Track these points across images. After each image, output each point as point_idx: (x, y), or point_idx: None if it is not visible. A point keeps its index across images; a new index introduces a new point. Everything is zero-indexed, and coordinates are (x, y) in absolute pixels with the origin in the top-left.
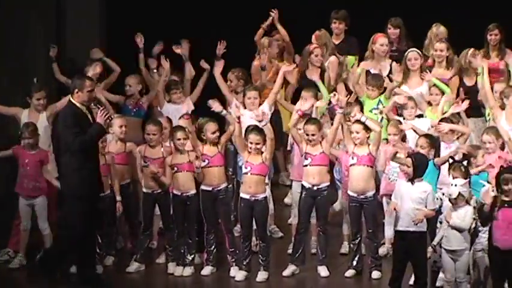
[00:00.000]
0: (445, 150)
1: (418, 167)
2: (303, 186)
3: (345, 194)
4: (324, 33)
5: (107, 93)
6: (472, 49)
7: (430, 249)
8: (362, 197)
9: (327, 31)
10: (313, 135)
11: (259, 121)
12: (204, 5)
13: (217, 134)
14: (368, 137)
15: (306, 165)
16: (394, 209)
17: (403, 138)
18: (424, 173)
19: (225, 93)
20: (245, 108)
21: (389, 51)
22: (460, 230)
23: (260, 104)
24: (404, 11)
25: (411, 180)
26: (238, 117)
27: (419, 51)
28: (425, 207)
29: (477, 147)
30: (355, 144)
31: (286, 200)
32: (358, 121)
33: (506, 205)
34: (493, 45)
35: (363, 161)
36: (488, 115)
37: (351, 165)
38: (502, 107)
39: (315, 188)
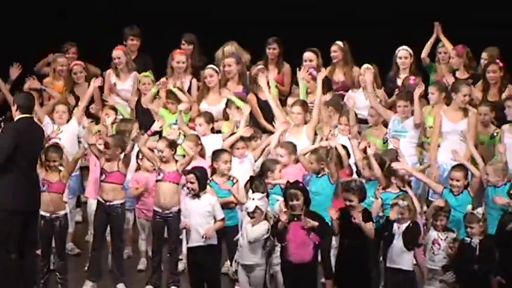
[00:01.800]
0: (239, 166)
1: (202, 180)
2: (98, 202)
3: (141, 212)
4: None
5: None
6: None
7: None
8: (167, 212)
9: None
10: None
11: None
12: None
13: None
14: (174, 153)
15: (102, 181)
16: (185, 227)
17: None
18: (205, 186)
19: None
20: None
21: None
22: (251, 243)
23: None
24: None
25: (197, 195)
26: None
27: (215, 67)
28: (214, 219)
29: (275, 162)
30: (162, 161)
31: (77, 218)
32: (163, 139)
33: (295, 219)
34: (271, 59)
35: (169, 177)
36: None
37: (157, 180)
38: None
39: (108, 204)
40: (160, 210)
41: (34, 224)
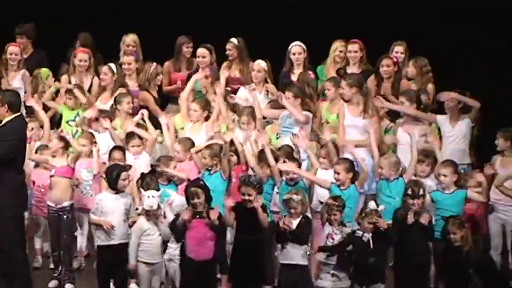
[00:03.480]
0: (134, 161)
1: (109, 177)
2: None
3: (38, 209)
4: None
5: None
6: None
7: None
8: (59, 206)
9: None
10: None
11: None
12: None
13: None
14: (66, 148)
15: None
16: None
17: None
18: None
19: None
20: None
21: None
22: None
23: None
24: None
25: (118, 192)
26: None
27: (112, 66)
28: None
29: (169, 158)
30: (54, 156)
31: None
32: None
33: (197, 216)
34: (186, 57)
35: (60, 172)
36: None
37: (51, 176)
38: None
39: None
40: (53, 205)
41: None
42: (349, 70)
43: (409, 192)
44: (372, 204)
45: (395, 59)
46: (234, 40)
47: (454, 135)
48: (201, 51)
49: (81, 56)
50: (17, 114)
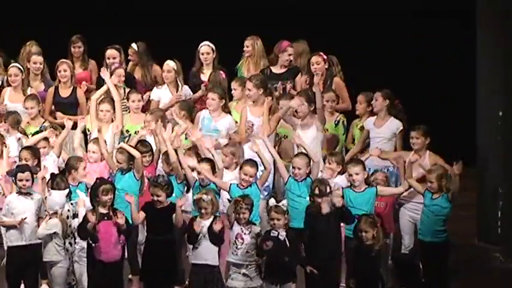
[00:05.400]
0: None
1: (11, 178)
2: None
3: None
4: None
5: None
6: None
7: None
8: None
9: None
10: None
11: None
12: None
13: None
14: None
15: None
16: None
17: None
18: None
19: None
20: None
21: None
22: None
23: None
24: None
25: (29, 193)
26: None
27: (20, 66)
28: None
29: (79, 159)
30: None
31: None
32: None
33: (105, 218)
34: (76, 57)
35: None
36: None
37: None
38: None
39: None
40: None
41: None
42: (274, 70)
43: (316, 192)
44: (271, 202)
45: (325, 56)
46: (133, 46)
47: (381, 137)
48: (110, 52)
49: None
50: None
